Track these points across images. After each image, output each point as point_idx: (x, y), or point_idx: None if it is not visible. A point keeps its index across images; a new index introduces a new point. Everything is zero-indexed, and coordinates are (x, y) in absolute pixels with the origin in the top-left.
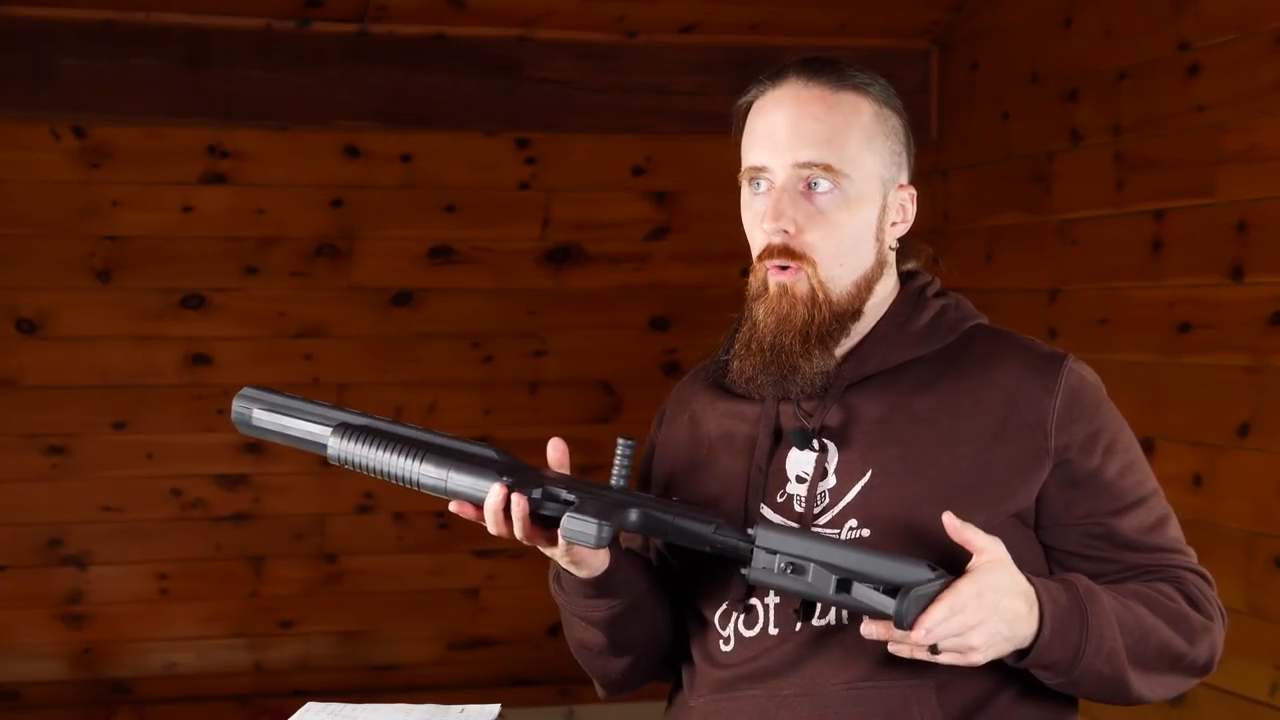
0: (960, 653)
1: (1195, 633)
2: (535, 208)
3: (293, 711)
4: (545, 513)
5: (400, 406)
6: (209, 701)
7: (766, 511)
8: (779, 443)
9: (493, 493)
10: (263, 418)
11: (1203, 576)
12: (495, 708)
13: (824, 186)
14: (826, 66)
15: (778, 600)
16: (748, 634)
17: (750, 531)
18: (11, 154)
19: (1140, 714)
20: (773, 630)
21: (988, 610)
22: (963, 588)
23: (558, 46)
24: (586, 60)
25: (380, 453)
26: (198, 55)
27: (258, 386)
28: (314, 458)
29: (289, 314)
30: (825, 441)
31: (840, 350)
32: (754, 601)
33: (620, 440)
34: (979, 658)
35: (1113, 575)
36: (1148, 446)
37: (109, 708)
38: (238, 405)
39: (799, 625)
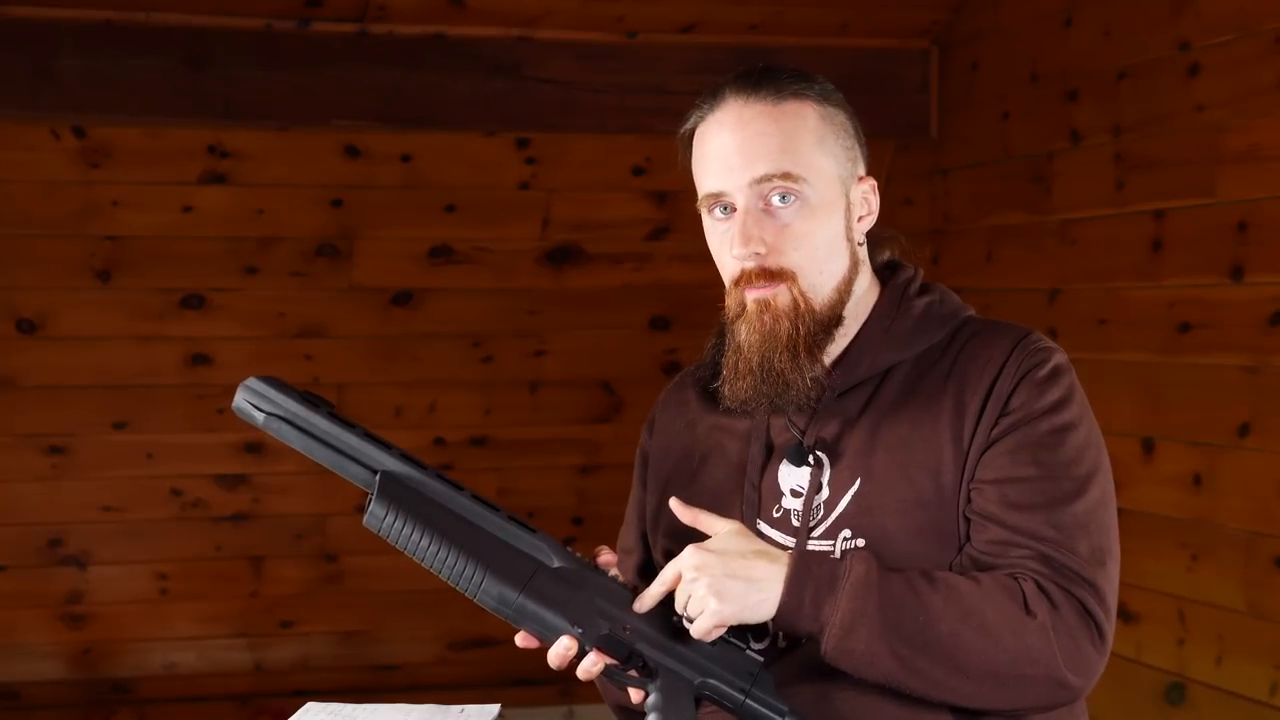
0: (697, 614)
1: (1002, 626)
2: (535, 208)
3: (293, 711)
4: (612, 675)
5: (400, 406)
6: (209, 701)
7: (764, 528)
8: (770, 456)
9: (563, 644)
10: (289, 435)
11: (1089, 586)
12: (495, 708)
13: (786, 199)
14: (764, 79)
15: None
16: (757, 647)
17: None
18: (11, 154)
19: (1138, 713)
20: (782, 643)
21: (708, 567)
22: (678, 558)
23: (558, 46)
24: (586, 60)
25: (433, 546)
26: (198, 55)
27: (266, 380)
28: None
29: (289, 314)
30: (819, 455)
31: (829, 357)
32: None
33: None
34: (718, 608)
35: (988, 544)
36: (1147, 446)
37: (109, 708)
38: (244, 400)
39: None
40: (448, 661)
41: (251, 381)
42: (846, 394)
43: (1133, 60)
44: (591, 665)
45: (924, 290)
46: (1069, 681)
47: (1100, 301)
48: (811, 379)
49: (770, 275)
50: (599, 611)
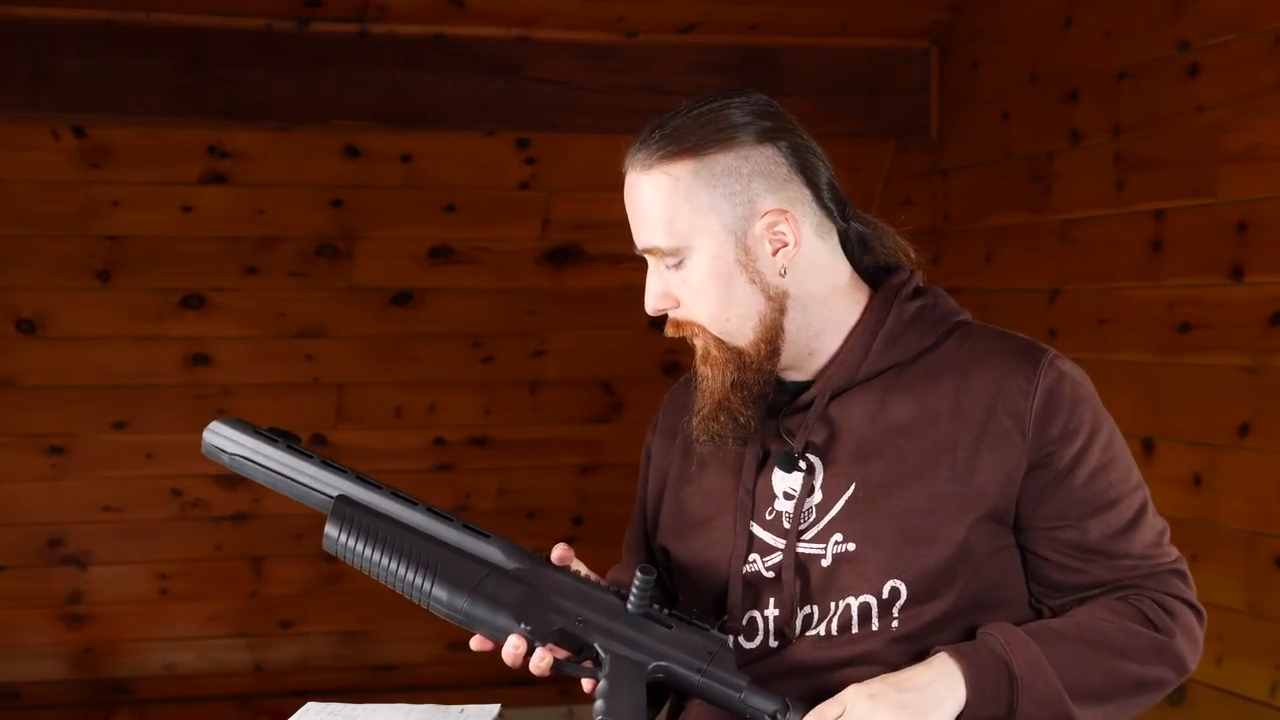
0: None
1: (1148, 652)
2: (535, 208)
3: (293, 711)
4: (563, 668)
5: (400, 406)
6: (209, 701)
7: (756, 530)
8: (765, 460)
9: (511, 643)
10: (252, 471)
11: (1177, 574)
12: (495, 708)
13: (672, 261)
14: (642, 145)
15: (777, 612)
16: (748, 645)
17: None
18: (11, 154)
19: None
20: (772, 643)
21: (881, 694)
22: (840, 699)
23: (558, 46)
24: (586, 60)
25: (385, 560)
26: (198, 55)
27: (229, 421)
28: None
29: (289, 314)
30: (810, 459)
31: (820, 362)
32: (754, 614)
33: (639, 572)
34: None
35: (1078, 585)
36: (1147, 446)
37: (109, 708)
38: (210, 442)
39: (794, 637)
40: (447, 661)
41: (214, 425)
42: (840, 399)
43: (1133, 60)
44: (540, 661)
45: (917, 294)
46: (1191, 670)
47: (1100, 301)
48: (749, 414)
49: (679, 326)
50: (552, 607)
